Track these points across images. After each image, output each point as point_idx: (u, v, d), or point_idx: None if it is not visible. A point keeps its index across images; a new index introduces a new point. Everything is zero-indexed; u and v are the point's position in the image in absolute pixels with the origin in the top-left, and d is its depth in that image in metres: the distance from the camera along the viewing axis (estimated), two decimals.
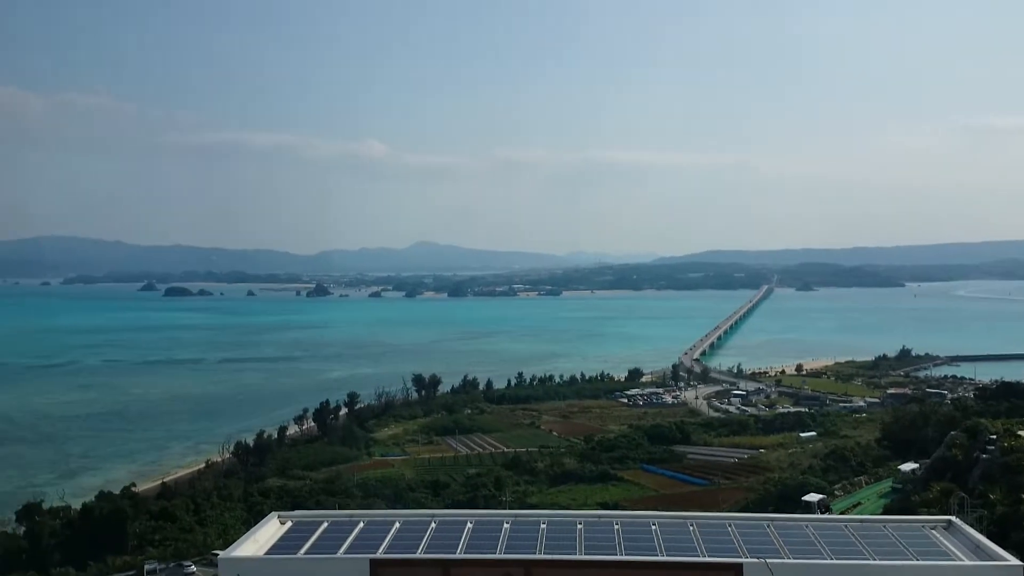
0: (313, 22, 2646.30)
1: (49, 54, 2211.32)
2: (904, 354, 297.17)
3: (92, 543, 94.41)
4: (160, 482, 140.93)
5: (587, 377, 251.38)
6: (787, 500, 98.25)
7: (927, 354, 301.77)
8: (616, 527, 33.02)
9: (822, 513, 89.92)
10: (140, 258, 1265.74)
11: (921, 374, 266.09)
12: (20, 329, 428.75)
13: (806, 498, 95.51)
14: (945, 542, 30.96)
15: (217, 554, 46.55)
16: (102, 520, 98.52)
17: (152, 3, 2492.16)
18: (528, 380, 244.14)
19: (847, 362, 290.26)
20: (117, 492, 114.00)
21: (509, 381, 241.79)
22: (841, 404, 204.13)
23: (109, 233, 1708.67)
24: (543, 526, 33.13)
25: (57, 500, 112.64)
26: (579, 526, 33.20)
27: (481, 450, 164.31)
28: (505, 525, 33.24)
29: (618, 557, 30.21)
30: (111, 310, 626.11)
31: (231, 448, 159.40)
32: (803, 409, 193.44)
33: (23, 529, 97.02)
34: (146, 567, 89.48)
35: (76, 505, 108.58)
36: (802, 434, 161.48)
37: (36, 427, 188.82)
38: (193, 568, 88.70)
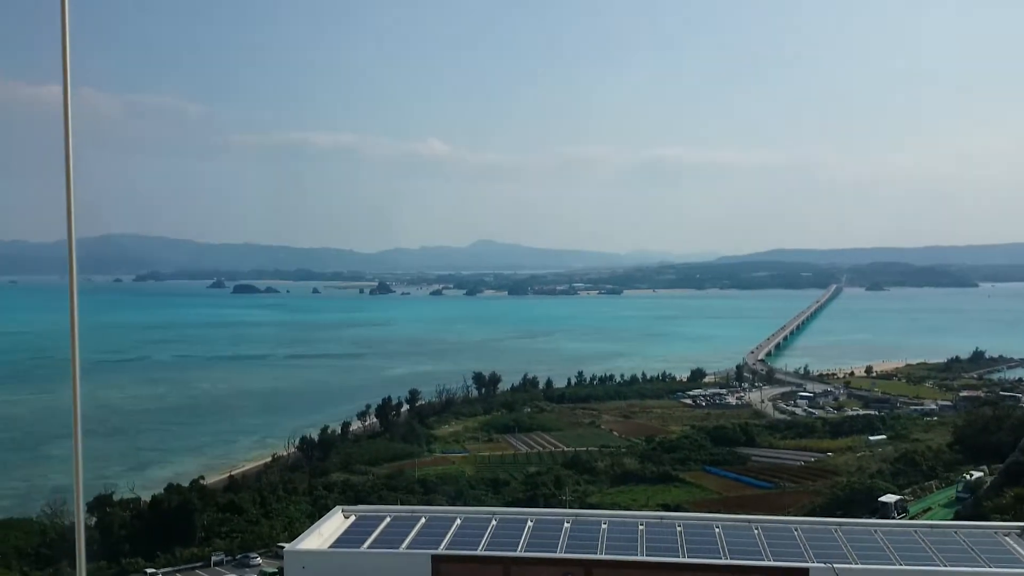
0: (374, 23, 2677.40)
1: (121, 56, 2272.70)
2: (977, 356, 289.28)
3: (161, 534, 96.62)
4: (228, 475, 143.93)
5: (648, 377, 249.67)
6: (855, 504, 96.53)
7: (1001, 356, 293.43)
8: (678, 529, 32.66)
9: (899, 514, 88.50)
10: (209, 256, 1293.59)
11: (995, 376, 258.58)
12: (92, 325, 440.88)
13: (883, 499, 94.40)
14: (1019, 549, 30.00)
15: (282, 546, 47.27)
16: (171, 512, 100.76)
17: (219, 5, 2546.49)
18: (588, 379, 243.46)
19: (918, 364, 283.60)
20: (186, 485, 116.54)
21: (569, 380, 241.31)
22: (912, 407, 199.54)
23: (179, 231, 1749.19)
24: (604, 526, 32.93)
25: (127, 492, 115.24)
26: (640, 527, 32.92)
27: (541, 449, 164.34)
28: (565, 524, 33.14)
29: (680, 559, 29.86)
30: (181, 306, 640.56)
31: (296, 443, 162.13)
32: (872, 412, 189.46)
33: (95, 520, 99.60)
34: (213, 558, 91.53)
35: (146, 497, 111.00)
36: (871, 437, 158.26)
37: (107, 420, 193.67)
38: (259, 560, 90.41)
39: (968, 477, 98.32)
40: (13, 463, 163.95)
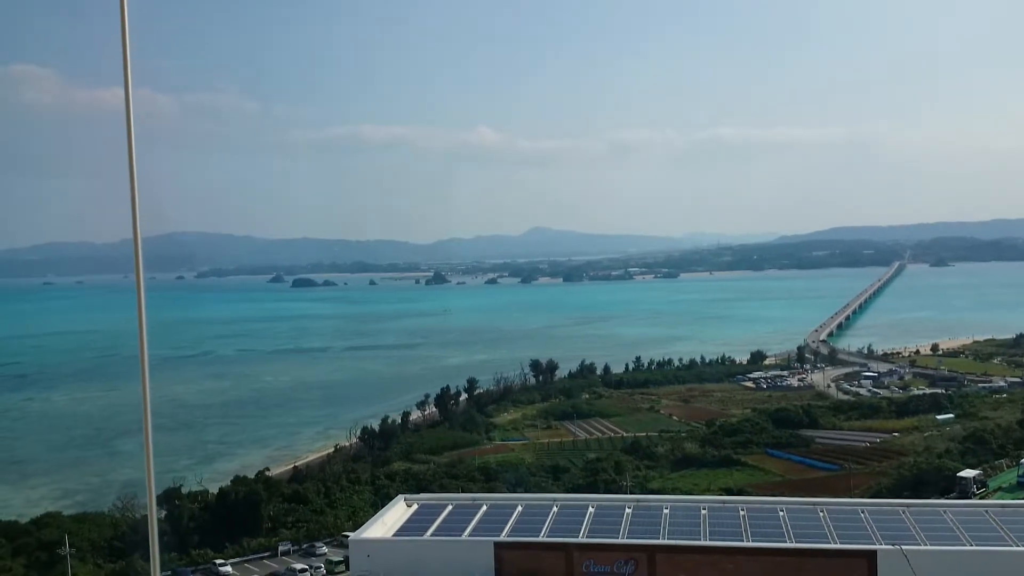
0: (419, 16, 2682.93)
1: (178, 57, 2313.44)
2: None
3: (229, 525, 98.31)
4: (292, 466, 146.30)
5: (707, 360, 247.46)
6: (923, 485, 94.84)
7: None
8: (742, 512, 32.37)
9: (977, 489, 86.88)
10: (268, 251, 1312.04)
11: None
12: (157, 322, 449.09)
13: (962, 474, 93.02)
14: None
15: (348, 535, 47.92)
16: (238, 503, 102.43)
17: (270, 4, 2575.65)
18: (646, 364, 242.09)
19: (986, 340, 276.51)
20: (252, 476, 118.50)
21: (627, 365, 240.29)
22: (980, 384, 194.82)
23: (239, 227, 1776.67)
24: (666, 511, 32.78)
25: (195, 485, 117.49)
26: (703, 511, 32.71)
27: (600, 435, 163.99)
28: (627, 510, 33.06)
29: (744, 543, 29.61)
30: (242, 301, 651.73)
31: (358, 433, 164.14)
32: (939, 390, 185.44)
33: (164, 513, 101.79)
34: (280, 548, 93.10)
35: (213, 489, 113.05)
36: (938, 416, 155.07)
37: (174, 415, 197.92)
38: (325, 549, 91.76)
39: None
40: (85, 459, 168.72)
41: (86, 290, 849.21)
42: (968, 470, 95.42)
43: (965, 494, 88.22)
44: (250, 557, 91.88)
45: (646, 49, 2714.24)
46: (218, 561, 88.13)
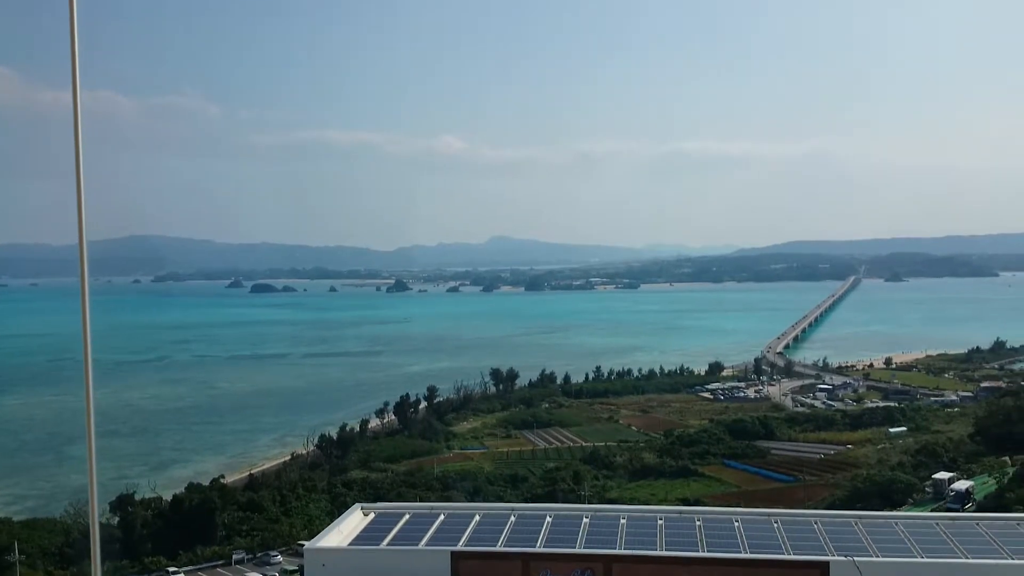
0: (385, 20, 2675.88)
1: (141, 59, 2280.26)
2: (998, 346, 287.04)
3: (182, 533, 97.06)
4: (247, 474, 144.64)
5: (666, 371, 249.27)
6: (875, 497, 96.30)
7: (1022, 346, 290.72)
8: (698, 523, 32.59)
9: (952, 495, 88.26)
10: (227, 256, 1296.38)
11: (1016, 367, 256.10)
12: (112, 326, 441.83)
13: (937, 476, 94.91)
14: None
15: (303, 544, 47.51)
16: (192, 511, 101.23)
17: (234, 5, 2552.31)
18: (606, 374, 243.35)
19: (938, 355, 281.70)
20: (206, 484, 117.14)
21: (587, 375, 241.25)
22: (932, 398, 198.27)
23: (198, 232, 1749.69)
24: (623, 521, 32.90)
25: (149, 491, 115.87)
26: (660, 521, 32.87)
27: (559, 444, 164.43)
28: (585, 519, 33.14)
29: (700, 553, 29.79)
30: (200, 306, 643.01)
31: (315, 441, 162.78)
32: (892, 404, 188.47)
33: (116, 519, 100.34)
34: (234, 556, 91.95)
35: (167, 496, 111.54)
36: (891, 429, 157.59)
37: (128, 420, 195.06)
38: (279, 558, 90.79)
39: (965, 488, 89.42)
40: (37, 464, 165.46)
41: (41, 292, 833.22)
42: (943, 472, 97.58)
43: (940, 496, 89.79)
44: (203, 565, 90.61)
45: (613, 62, 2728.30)
46: (171, 569, 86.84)
